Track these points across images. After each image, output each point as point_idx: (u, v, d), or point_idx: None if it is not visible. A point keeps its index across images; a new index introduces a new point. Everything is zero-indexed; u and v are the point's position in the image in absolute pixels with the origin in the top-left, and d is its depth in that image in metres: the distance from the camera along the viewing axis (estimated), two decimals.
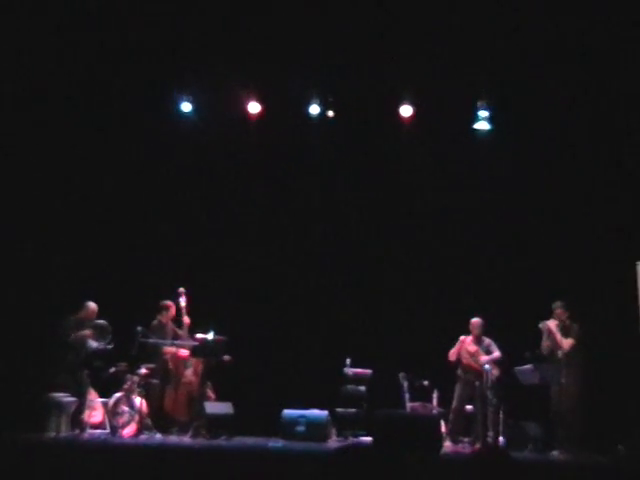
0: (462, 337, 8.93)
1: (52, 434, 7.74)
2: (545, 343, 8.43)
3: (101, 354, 8.27)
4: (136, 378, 8.36)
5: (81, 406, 8.04)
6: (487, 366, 8.53)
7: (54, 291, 9.09)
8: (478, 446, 8.24)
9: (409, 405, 8.76)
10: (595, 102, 9.39)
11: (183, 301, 9.03)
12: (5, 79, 9.16)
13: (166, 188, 10.23)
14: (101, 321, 8.37)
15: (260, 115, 10.21)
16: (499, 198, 9.92)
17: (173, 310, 9.08)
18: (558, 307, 8.48)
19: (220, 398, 8.80)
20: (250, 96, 10.13)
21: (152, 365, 8.58)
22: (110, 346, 8.27)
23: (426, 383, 8.80)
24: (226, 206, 10.35)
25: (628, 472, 6.87)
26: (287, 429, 8.44)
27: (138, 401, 8.26)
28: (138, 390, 8.33)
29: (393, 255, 10.21)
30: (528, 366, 8.27)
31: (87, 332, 8.26)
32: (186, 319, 9.02)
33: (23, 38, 9.13)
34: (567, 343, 8.26)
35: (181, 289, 9.03)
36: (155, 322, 8.92)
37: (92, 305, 8.47)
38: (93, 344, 8.23)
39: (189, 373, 8.97)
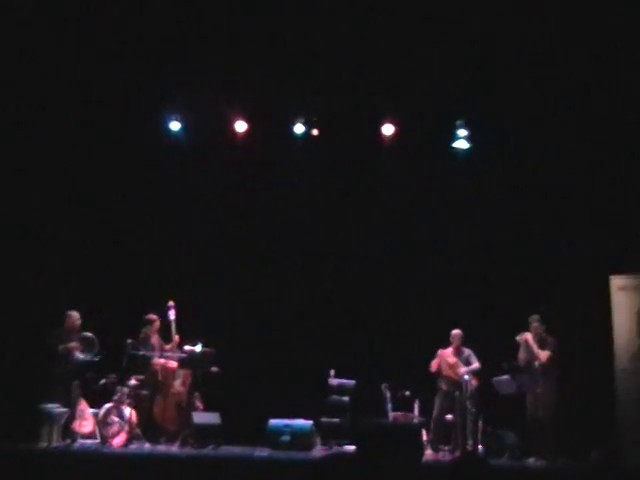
0: (441, 350, 9.10)
1: (44, 444, 7.83)
2: (522, 355, 8.57)
3: (89, 366, 8.40)
4: (126, 389, 8.48)
5: (71, 416, 8.17)
6: (466, 377, 8.69)
7: (45, 303, 9.16)
8: (458, 454, 8.37)
9: (391, 415, 8.86)
10: (573, 121, 9.58)
11: (172, 314, 9.08)
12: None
13: (154, 204, 10.30)
14: (88, 334, 8.50)
15: (246, 133, 10.36)
16: (478, 215, 10.14)
17: (158, 323, 9.12)
18: (535, 320, 8.62)
19: (207, 408, 8.91)
20: (237, 115, 10.30)
21: (141, 376, 8.70)
22: (97, 358, 8.41)
23: (408, 393, 8.88)
24: (213, 221, 10.42)
25: (602, 477, 7.09)
26: (273, 438, 8.49)
27: (128, 411, 8.38)
28: (128, 401, 8.46)
29: (375, 269, 10.31)
30: (505, 377, 8.46)
31: (74, 345, 8.40)
32: (176, 337, 9.06)
33: (15, 58, 9.31)
34: (544, 355, 8.40)
35: (171, 303, 9.09)
36: (141, 335, 8.97)
37: (74, 314, 8.60)
38: (80, 356, 8.37)
39: (177, 384, 9.04)
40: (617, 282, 8.92)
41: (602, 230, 9.43)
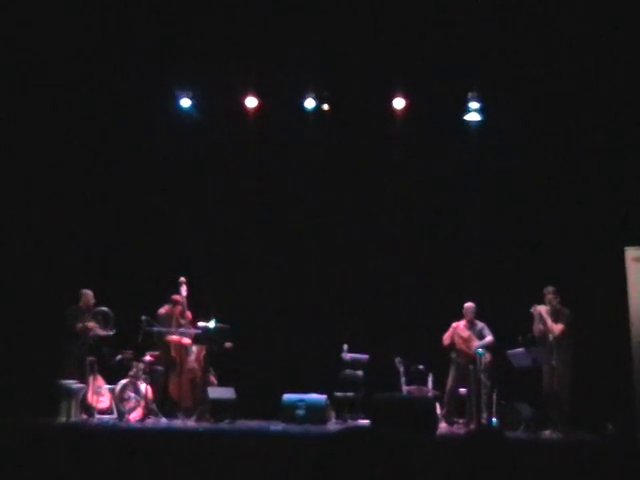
0: (455, 323, 9.10)
1: (63, 419, 7.98)
2: (537, 327, 8.51)
3: (105, 342, 8.63)
4: (141, 365, 8.58)
5: (86, 392, 8.33)
6: (480, 350, 8.71)
7: (64, 282, 9.27)
8: (472, 427, 8.39)
9: (405, 388, 8.89)
10: (585, 93, 9.51)
11: (184, 291, 9.15)
12: (5, 75, 9.35)
13: (167, 180, 10.35)
14: (103, 308, 8.70)
15: (257, 109, 10.36)
16: (490, 186, 10.10)
17: (181, 305, 9.19)
18: (549, 292, 8.55)
19: (222, 383, 8.99)
20: (248, 91, 10.27)
21: (156, 352, 8.81)
22: (113, 332, 8.63)
23: (421, 367, 8.91)
24: (225, 197, 10.48)
25: (617, 449, 7.08)
26: (287, 413, 8.57)
27: (144, 387, 8.47)
28: (143, 376, 8.55)
29: (388, 243, 10.30)
30: (520, 349, 8.43)
31: (92, 323, 8.61)
32: (188, 314, 9.17)
33: (22, 32, 9.30)
34: (557, 328, 8.37)
35: (182, 279, 9.15)
36: (162, 311, 9.11)
37: (88, 292, 8.79)
38: (99, 332, 8.61)
39: (191, 360, 9.11)
40: (632, 254, 8.84)
41: (617, 201, 9.37)
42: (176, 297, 9.19)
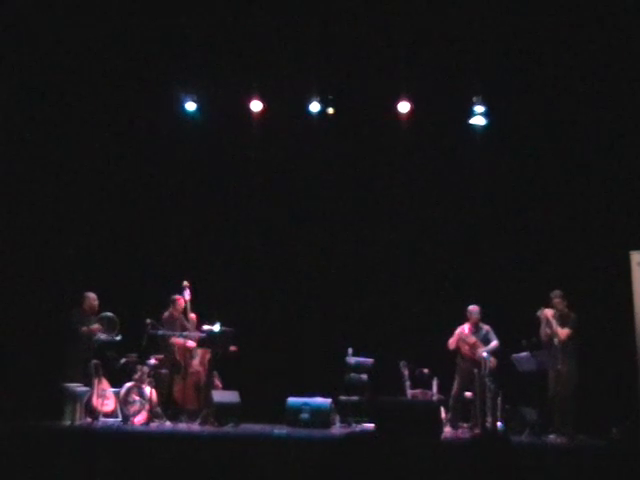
0: (460, 327, 9.08)
1: (68, 422, 8.00)
2: (544, 330, 8.49)
3: (110, 345, 8.62)
4: (146, 368, 8.59)
5: (90, 395, 8.34)
6: (485, 354, 8.68)
7: (68, 285, 9.30)
8: (477, 431, 8.38)
9: (410, 392, 8.87)
10: (590, 96, 9.50)
11: (187, 295, 9.15)
12: (8, 76, 9.38)
13: (171, 184, 10.40)
14: (108, 313, 8.71)
15: (262, 112, 10.37)
16: (496, 190, 10.10)
17: (182, 303, 9.22)
18: (556, 296, 8.54)
19: (227, 387, 8.98)
20: (252, 94, 10.29)
21: (161, 356, 8.83)
22: (117, 338, 8.64)
23: (426, 371, 8.88)
24: (229, 200, 10.50)
25: (622, 454, 7.06)
26: (292, 416, 8.56)
27: (148, 390, 8.47)
28: (148, 380, 8.56)
29: (393, 245, 10.33)
30: (525, 353, 8.42)
31: (96, 326, 8.63)
32: (192, 315, 9.17)
33: (26, 32, 9.32)
34: (563, 333, 8.36)
35: (185, 283, 9.14)
36: (166, 314, 9.10)
37: (92, 295, 8.81)
38: (102, 336, 8.61)
39: (196, 363, 9.10)
40: (637, 258, 8.85)
41: (622, 206, 9.37)
42: (176, 297, 9.17)
